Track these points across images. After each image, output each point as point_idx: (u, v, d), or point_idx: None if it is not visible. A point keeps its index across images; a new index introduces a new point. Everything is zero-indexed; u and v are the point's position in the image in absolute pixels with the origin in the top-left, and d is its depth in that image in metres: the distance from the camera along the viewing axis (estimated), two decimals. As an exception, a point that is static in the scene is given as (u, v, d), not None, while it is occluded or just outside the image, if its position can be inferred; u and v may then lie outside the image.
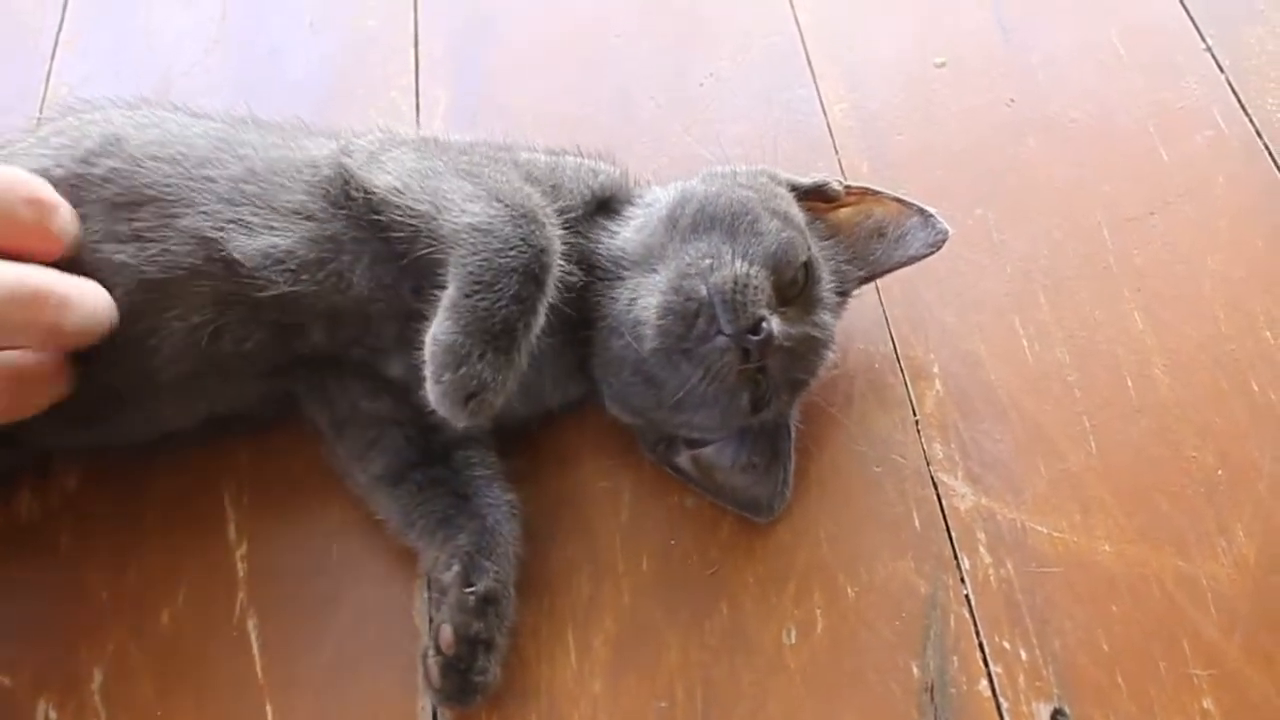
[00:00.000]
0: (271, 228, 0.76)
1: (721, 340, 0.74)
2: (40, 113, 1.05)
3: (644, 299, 0.76)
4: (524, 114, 1.07)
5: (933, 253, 0.86)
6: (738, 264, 0.75)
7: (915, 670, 0.77)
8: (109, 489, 0.83)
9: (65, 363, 0.73)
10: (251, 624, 0.79)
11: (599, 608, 0.80)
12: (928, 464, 0.86)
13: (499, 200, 0.73)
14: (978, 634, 0.78)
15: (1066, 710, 0.75)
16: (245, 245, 0.75)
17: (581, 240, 0.80)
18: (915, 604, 0.80)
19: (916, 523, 0.83)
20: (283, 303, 0.76)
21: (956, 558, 0.82)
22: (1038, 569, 0.81)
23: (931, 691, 0.76)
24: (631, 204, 0.85)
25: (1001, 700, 0.76)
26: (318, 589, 0.80)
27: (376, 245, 0.76)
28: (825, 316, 0.81)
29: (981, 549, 0.82)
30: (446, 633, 0.74)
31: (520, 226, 0.71)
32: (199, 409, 0.81)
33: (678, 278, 0.75)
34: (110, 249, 0.74)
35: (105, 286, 0.73)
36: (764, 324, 0.73)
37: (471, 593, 0.75)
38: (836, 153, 1.04)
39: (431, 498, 0.81)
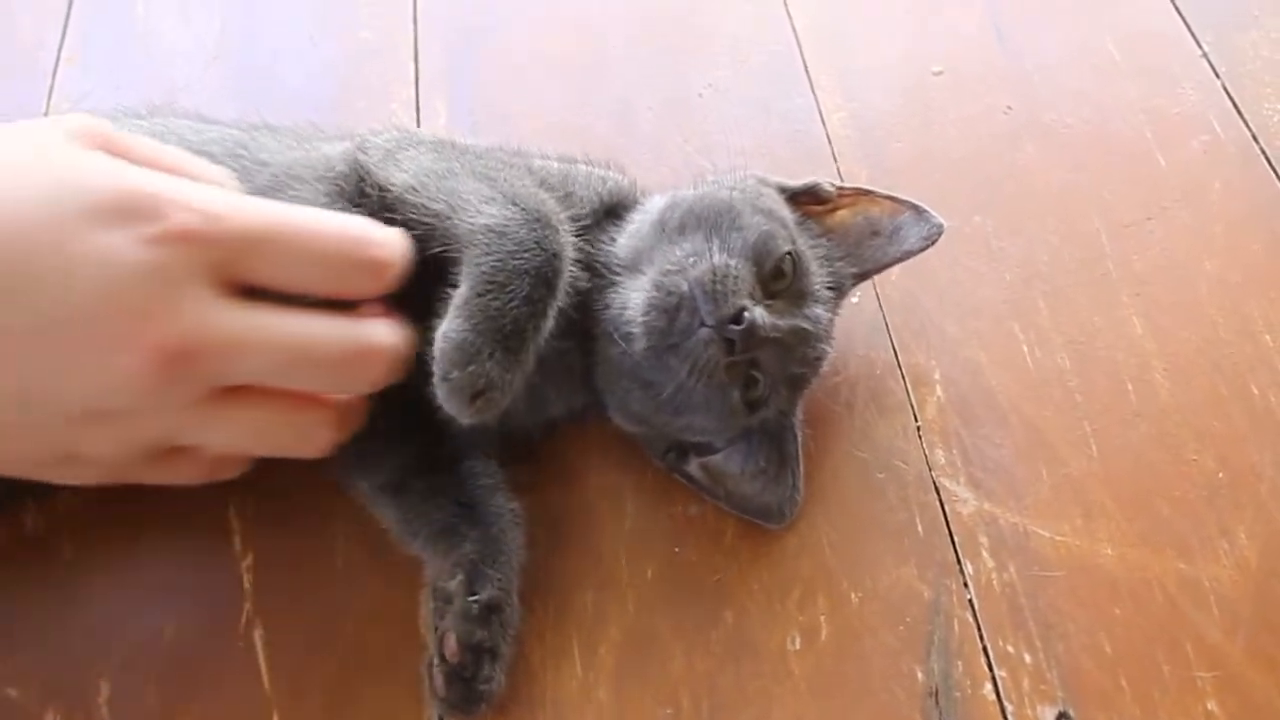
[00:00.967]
0: None
1: (704, 332, 0.74)
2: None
3: (631, 298, 0.77)
4: (523, 125, 1.08)
5: (928, 246, 0.87)
6: (717, 257, 0.76)
7: (920, 675, 0.77)
8: (113, 501, 0.82)
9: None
10: (258, 635, 0.79)
11: (604, 617, 0.80)
12: (930, 470, 0.86)
13: (515, 203, 0.73)
14: (981, 638, 0.79)
15: (1071, 713, 0.76)
16: None
17: (589, 247, 0.81)
18: (919, 609, 0.80)
19: (919, 528, 0.84)
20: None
21: (959, 562, 0.82)
22: (1040, 573, 0.81)
23: (936, 696, 0.76)
24: (634, 211, 0.85)
25: (1006, 704, 0.76)
26: (323, 600, 0.80)
27: None
28: (817, 310, 0.81)
29: (984, 554, 0.82)
30: (451, 641, 0.74)
31: (535, 230, 0.72)
32: None
33: (660, 275, 0.76)
34: None
35: None
36: (745, 313, 0.74)
37: (475, 601, 0.75)
38: (835, 161, 1.05)
39: (435, 507, 0.81)
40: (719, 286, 0.74)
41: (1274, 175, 1.03)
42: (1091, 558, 0.82)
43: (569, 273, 0.74)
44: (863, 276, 0.89)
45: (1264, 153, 1.04)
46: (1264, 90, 1.09)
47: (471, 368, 0.68)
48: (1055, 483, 0.86)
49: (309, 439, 0.74)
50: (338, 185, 0.79)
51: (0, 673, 0.77)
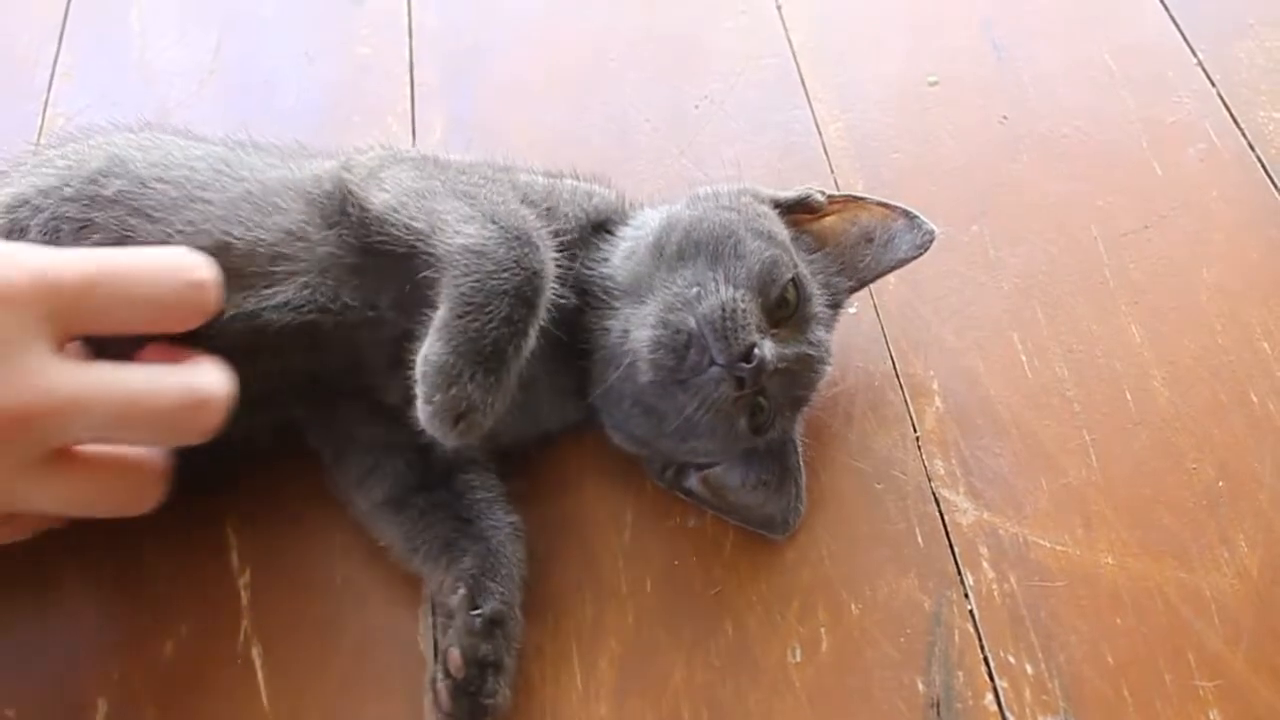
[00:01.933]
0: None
1: (715, 371, 0.74)
2: (37, 144, 1.05)
3: (635, 333, 0.77)
4: (519, 139, 1.08)
5: (921, 253, 0.86)
6: (723, 291, 0.75)
7: (921, 686, 0.77)
8: (110, 519, 0.82)
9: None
10: (256, 652, 0.78)
11: (603, 629, 0.80)
12: (929, 480, 0.86)
13: (494, 222, 0.73)
14: (983, 649, 0.78)
15: (1073, 724, 0.76)
16: None
17: (576, 263, 0.80)
18: (920, 620, 0.80)
19: (919, 539, 0.83)
20: (274, 327, 0.76)
21: (960, 573, 0.82)
22: (1041, 583, 0.81)
23: (938, 707, 0.76)
24: (625, 225, 0.85)
25: (1008, 714, 0.76)
26: (322, 615, 0.80)
27: (368, 265, 0.77)
28: (819, 333, 0.81)
29: (985, 564, 0.82)
30: (455, 656, 0.74)
31: (514, 249, 0.71)
32: None
33: (665, 310, 0.76)
34: None
35: None
36: (755, 350, 0.74)
37: (478, 615, 0.75)
38: (832, 172, 1.05)
39: (434, 522, 0.80)
40: (728, 323, 0.74)
41: (1270, 183, 1.03)
42: (1092, 567, 0.82)
43: (551, 291, 0.73)
44: (857, 287, 0.88)
45: (1260, 160, 1.04)
46: (1259, 98, 1.09)
47: (453, 391, 0.68)
48: (1055, 492, 0.85)
49: (137, 498, 0.72)
50: (319, 204, 0.79)
51: (-3, 692, 0.77)
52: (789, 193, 0.88)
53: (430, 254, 0.72)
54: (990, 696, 0.77)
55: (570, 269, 0.79)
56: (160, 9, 1.21)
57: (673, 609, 0.81)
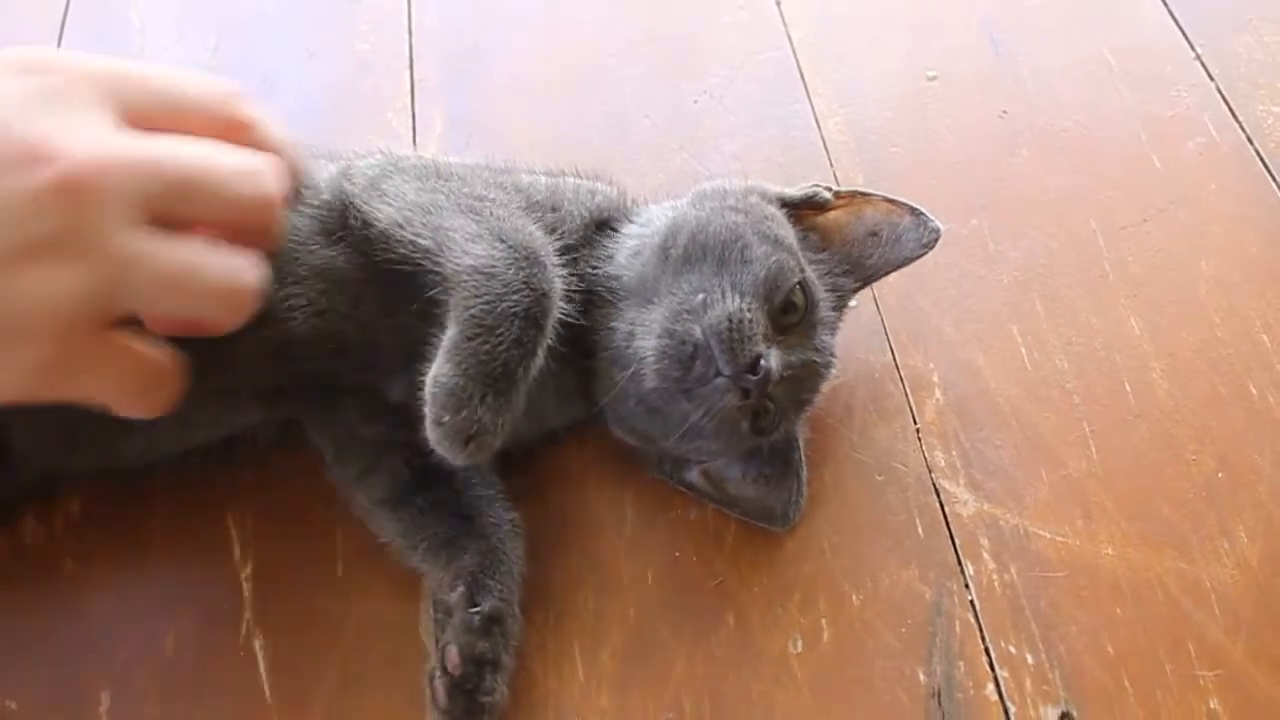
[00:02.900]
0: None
1: (720, 381, 0.74)
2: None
3: (640, 339, 0.76)
4: (519, 134, 1.08)
5: (926, 252, 0.86)
6: (730, 299, 0.75)
7: (922, 677, 0.77)
8: (112, 511, 0.83)
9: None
10: (258, 644, 0.79)
11: (605, 622, 0.80)
12: (929, 472, 0.86)
13: (502, 240, 0.72)
14: (983, 639, 0.79)
15: (1074, 714, 0.75)
16: None
17: (581, 262, 0.81)
18: (920, 611, 0.80)
19: (920, 530, 0.83)
20: (286, 332, 0.76)
21: (960, 564, 0.82)
22: (1041, 574, 0.81)
23: (939, 697, 0.76)
24: (630, 222, 0.85)
25: (1009, 704, 0.76)
26: (324, 608, 0.80)
27: (381, 277, 0.76)
28: (825, 338, 0.81)
29: (985, 555, 0.82)
30: (452, 653, 0.74)
31: (523, 269, 0.71)
32: (198, 435, 0.81)
33: (671, 319, 0.75)
34: None
35: None
36: (762, 362, 0.73)
37: (476, 613, 0.75)
38: (831, 166, 1.05)
39: (434, 520, 0.81)
40: (734, 334, 0.73)
41: (1269, 177, 1.03)
42: (1092, 558, 0.82)
43: (559, 308, 0.73)
44: (862, 286, 0.88)
45: (1259, 154, 1.04)
46: (1258, 92, 1.09)
47: (463, 413, 0.67)
48: (1055, 484, 0.86)
49: (237, 279, 0.69)
50: (319, 215, 0.78)
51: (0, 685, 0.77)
52: (796, 191, 0.87)
53: (438, 272, 0.72)
54: (991, 687, 0.77)
55: (576, 268, 0.79)
56: (159, 7, 1.21)
57: (674, 601, 0.81)
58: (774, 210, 0.84)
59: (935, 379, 0.91)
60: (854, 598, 0.80)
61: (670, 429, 0.78)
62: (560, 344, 0.75)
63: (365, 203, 0.76)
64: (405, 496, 0.82)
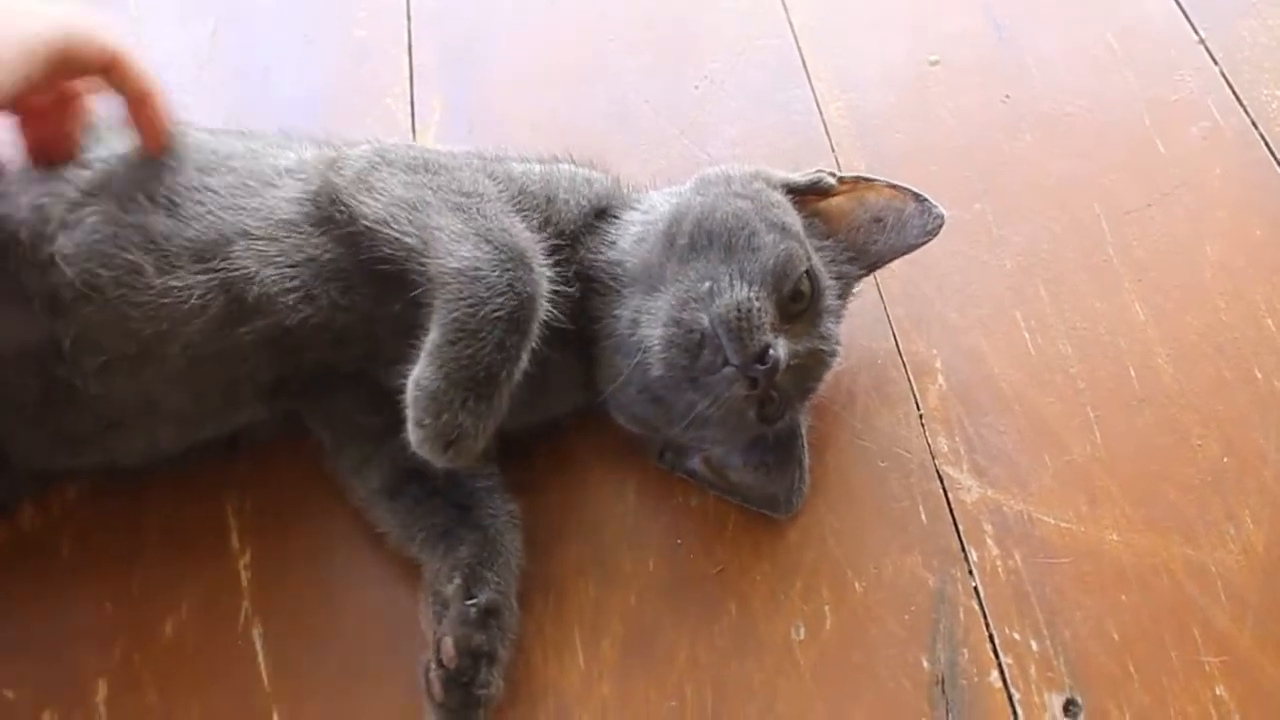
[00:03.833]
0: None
1: (729, 371, 0.73)
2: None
3: (646, 327, 0.76)
4: (519, 120, 1.07)
5: (930, 239, 0.86)
6: (738, 288, 0.74)
7: (925, 664, 0.77)
8: (110, 500, 0.82)
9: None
10: (256, 632, 0.78)
11: (606, 610, 0.80)
12: (933, 458, 0.86)
13: (488, 241, 0.72)
14: (987, 626, 0.78)
15: (1079, 700, 0.75)
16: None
17: (580, 249, 0.80)
18: (924, 597, 0.79)
19: (923, 516, 0.83)
20: (279, 321, 0.75)
21: (964, 550, 0.81)
22: (1046, 560, 0.81)
23: (942, 684, 0.76)
24: (630, 209, 0.84)
25: (1013, 691, 0.75)
26: (322, 595, 0.80)
27: (373, 272, 0.75)
28: (830, 326, 0.80)
29: (989, 541, 0.82)
30: (448, 645, 0.73)
31: (507, 271, 0.70)
32: (200, 433, 0.81)
33: (678, 307, 0.75)
34: None
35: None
36: (770, 352, 0.73)
37: (473, 605, 0.75)
38: (833, 151, 1.04)
39: (431, 510, 0.80)
40: (743, 324, 0.73)
41: (1274, 160, 1.02)
42: (1097, 544, 0.82)
43: (546, 310, 0.72)
44: (867, 273, 0.88)
45: (1263, 138, 1.04)
46: (1262, 76, 1.09)
47: (445, 417, 0.67)
48: (1059, 469, 0.85)
49: None
50: (307, 203, 0.77)
51: (-3, 674, 0.77)
52: (801, 176, 0.87)
53: (423, 271, 0.72)
54: (995, 673, 0.76)
55: (574, 257, 0.79)
56: (158, -7, 1.21)
57: (676, 589, 0.81)
58: (779, 197, 0.83)
59: (938, 365, 0.90)
60: (857, 585, 0.80)
61: (674, 417, 0.77)
62: (561, 331, 0.75)
63: (352, 196, 0.76)
64: (402, 486, 0.81)
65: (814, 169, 0.87)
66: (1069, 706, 0.75)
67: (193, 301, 0.73)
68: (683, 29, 1.16)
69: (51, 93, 0.76)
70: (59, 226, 0.74)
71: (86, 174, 0.76)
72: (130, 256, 0.73)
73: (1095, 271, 0.96)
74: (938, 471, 0.85)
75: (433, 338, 0.69)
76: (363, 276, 0.76)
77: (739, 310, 0.73)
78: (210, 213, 0.76)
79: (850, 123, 1.07)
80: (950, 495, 0.84)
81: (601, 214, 0.84)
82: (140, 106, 0.77)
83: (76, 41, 0.73)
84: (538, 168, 0.85)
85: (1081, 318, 0.93)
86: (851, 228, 0.87)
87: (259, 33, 1.17)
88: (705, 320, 0.73)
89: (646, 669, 0.77)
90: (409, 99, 1.09)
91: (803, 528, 0.83)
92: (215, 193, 0.77)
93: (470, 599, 0.75)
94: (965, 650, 0.77)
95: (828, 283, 0.81)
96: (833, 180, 0.86)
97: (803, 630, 0.78)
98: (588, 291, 0.79)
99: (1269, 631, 0.78)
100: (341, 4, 1.19)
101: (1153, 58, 1.11)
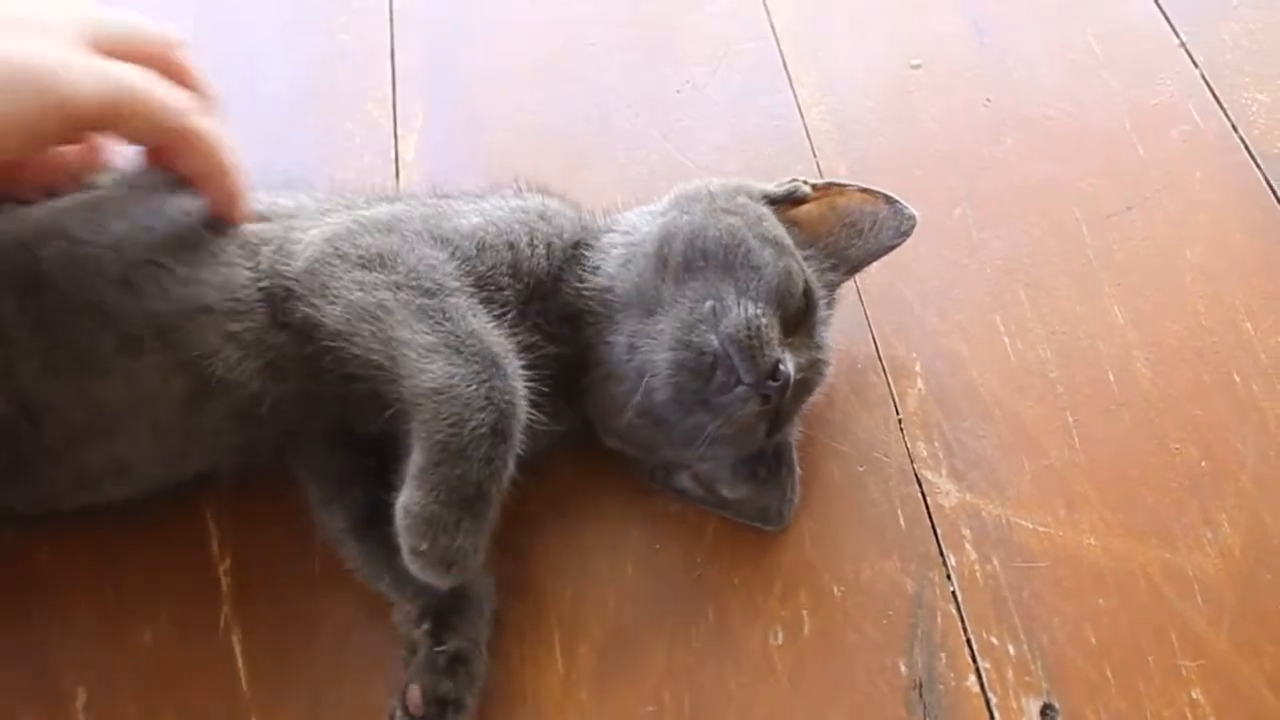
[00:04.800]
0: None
1: (742, 390, 0.73)
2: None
3: (648, 352, 0.75)
4: (501, 124, 1.07)
5: (904, 239, 0.86)
6: (745, 307, 0.74)
7: (903, 668, 0.77)
8: (89, 508, 0.82)
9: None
10: (236, 639, 0.78)
11: (584, 615, 0.80)
12: (911, 462, 0.86)
13: (458, 353, 0.70)
14: (965, 630, 0.78)
15: (1055, 704, 0.75)
16: None
17: (561, 285, 0.79)
18: (902, 602, 0.80)
19: (901, 521, 0.83)
20: (250, 397, 0.74)
21: (942, 555, 0.82)
22: (1024, 564, 0.81)
23: (920, 689, 0.76)
24: (607, 232, 0.83)
25: (990, 695, 0.76)
26: (302, 603, 0.80)
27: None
28: (825, 335, 0.81)
29: (967, 546, 0.82)
30: (414, 693, 0.72)
31: (484, 384, 0.69)
32: (172, 477, 0.79)
33: (684, 330, 0.74)
34: None
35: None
36: (781, 367, 0.73)
37: (441, 652, 0.74)
38: (815, 156, 1.04)
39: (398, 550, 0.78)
40: (754, 342, 0.72)
41: (1254, 164, 1.03)
42: (1075, 548, 0.82)
43: (525, 415, 0.71)
44: (847, 278, 0.88)
45: (1243, 141, 1.04)
46: (1243, 80, 1.09)
47: (441, 541, 0.66)
48: (1038, 474, 0.85)
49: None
50: (263, 306, 0.74)
51: (-24, 680, 0.76)
52: (778, 187, 0.87)
53: (392, 389, 0.70)
54: (973, 678, 0.76)
55: (556, 295, 0.79)
56: (139, -5, 1.20)
57: (654, 593, 0.81)
58: (766, 210, 0.83)
59: (918, 369, 0.91)
60: (835, 589, 0.80)
61: (677, 439, 0.77)
62: (546, 367, 0.74)
63: (307, 302, 0.73)
64: (370, 525, 0.78)
65: (789, 178, 0.87)
66: (1046, 711, 0.75)
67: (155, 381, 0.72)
68: (665, 33, 1.16)
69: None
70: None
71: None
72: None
73: (1075, 275, 0.96)
74: (916, 476, 0.85)
75: (416, 460, 0.68)
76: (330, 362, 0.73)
77: (749, 328, 0.73)
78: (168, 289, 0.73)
79: (832, 127, 1.07)
80: (929, 500, 0.84)
81: (575, 246, 0.82)
82: (208, 182, 0.76)
83: (127, 111, 0.70)
84: (492, 212, 0.81)
85: (1061, 322, 0.93)
86: (827, 234, 0.86)
87: (239, 35, 1.16)
88: (715, 341, 0.73)
89: (625, 674, 0.77)
90: (391, 103, 1.09)
91: (781, 532, 0.83)
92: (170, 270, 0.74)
93: (440, 645, 0.74)
94: (943, 655, 0.77)
95: (820, 293, 0.81)
96: (807, 188, 0.87)
97: (781, 635, 0.78)
98: (575, 327, 0.79)
99: (1245, 635, 0.78)
100: (324, 5, 1.19)
101: (1134, 61, 1.12)
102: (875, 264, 0.89)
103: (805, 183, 0.87)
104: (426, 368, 0.69)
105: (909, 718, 0.75)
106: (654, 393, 0.75)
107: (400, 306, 0.71)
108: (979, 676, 0.77)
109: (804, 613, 0.79)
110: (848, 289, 0.91)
